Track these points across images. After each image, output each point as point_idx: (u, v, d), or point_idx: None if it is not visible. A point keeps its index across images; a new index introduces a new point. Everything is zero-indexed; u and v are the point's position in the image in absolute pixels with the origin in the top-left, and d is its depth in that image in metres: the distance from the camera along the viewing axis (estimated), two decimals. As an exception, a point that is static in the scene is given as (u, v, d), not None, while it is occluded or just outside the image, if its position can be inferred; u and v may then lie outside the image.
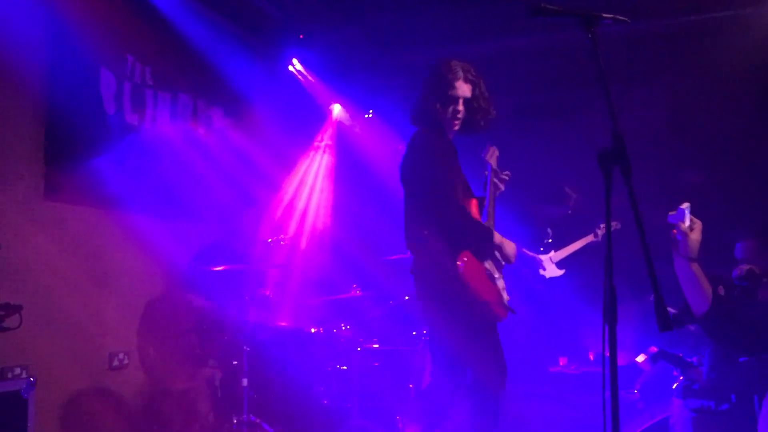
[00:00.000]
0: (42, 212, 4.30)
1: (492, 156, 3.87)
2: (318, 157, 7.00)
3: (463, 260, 3.22)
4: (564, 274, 6.21)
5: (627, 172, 2.08)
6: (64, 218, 4.46)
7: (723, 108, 6.34)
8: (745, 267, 3.41)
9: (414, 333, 4.58)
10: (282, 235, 5.09)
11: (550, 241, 6.32)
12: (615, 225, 5.65)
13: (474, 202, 3.60)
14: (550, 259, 6.22)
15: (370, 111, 6.77)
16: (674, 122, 6.77)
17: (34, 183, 4.27)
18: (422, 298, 3.34)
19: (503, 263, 3.52)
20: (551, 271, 6.20)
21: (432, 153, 3.42)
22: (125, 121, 4.86)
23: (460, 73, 3.53)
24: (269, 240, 4.57)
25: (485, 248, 3.40)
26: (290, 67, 6.62)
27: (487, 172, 3.75)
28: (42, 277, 4.24)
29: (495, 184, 3.73)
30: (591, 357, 5.98)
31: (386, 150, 6.94)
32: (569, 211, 6.42)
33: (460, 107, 3.54)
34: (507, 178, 3.80)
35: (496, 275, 3.46)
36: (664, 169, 6.58)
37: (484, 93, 3.62)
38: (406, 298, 4.72)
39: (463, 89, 3.53)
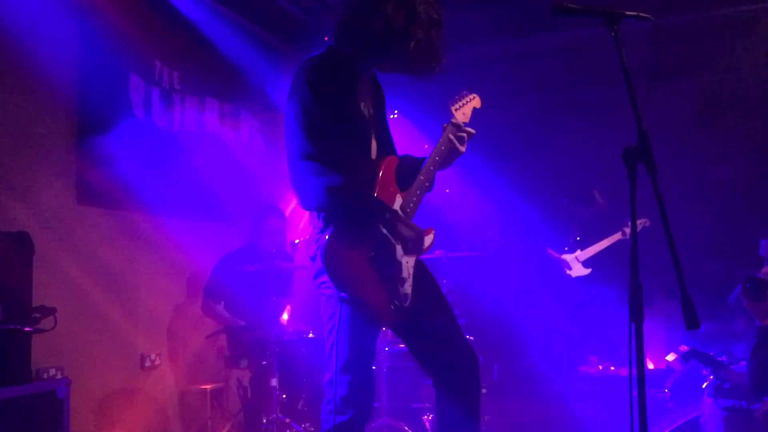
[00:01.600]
0: (75, 216, 4.39)
1: (463, 106, 2.90)
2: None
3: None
4: (593, 272, 6.17)
5: (652, 169, 2.08)
6: (96, 221, 4.55)
7: (751, 104, 6.26)
8: None
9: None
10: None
11: (578, 239, 6.28)
12: (644, 222, 5.60)
13: (386, 162, 2.68)
14: (576, 258, 6.18)
15: (395, 112, 6.77)
16: (702, 118, 6.70)
17: (67, 187, 4.36)
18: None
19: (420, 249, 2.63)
20: (577, 270, 6.17)
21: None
22: (154, 124, 4.94)
23: None
24: (296, 241, 4.60)
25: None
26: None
27: (445, 125, 2.80)
28: (75, 280, 4.33)
29: (449, 141, 2.75)
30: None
31: (412, 152, 6.95)
32: (595, 213, 6.38)
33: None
34: (468, 135, 2.84)
35: (403, 263, 2.55)
36: (692, 165, 6.51)
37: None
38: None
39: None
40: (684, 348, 4.32)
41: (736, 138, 6.41)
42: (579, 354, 6.16)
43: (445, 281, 4.91)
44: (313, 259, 2.58)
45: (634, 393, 1.98)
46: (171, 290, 5.21)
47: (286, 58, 6.37)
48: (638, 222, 5.52)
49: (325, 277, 2.46)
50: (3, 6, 3.82)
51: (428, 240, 2.67)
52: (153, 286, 5.02)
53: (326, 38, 5.85)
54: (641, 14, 2.20)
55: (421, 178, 2.66)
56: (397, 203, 2.60)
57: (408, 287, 2.55)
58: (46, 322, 3.37)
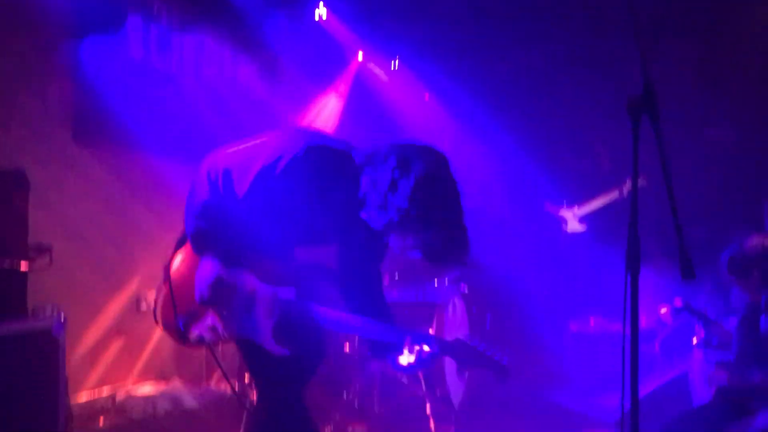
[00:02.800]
0: (71, 156, 4.36)
1: None
2: (330, 103, 6.76)
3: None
4: (591, 232, 6.16)
5: (656, 118, 2.05)
6: (93, 161, 4.52)
7: (754, 63, 6.18)
8: (759, 241, 3.35)
9: (436, 283, 4.62)
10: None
11: (565, 203, 6.26)
12: (642, 182, 5.55)
13: None
14: (573, 213, 6.17)
15: (397, 56, 6.63)
16: (705, 77, 6.63)
17: (63, 126, 4.32)
18: None
19: None
20: (573, 226, 6.17)
21: None
22: (152, 65, 4.87)
23: None
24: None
25: None
26: (316, 11, 6.50)
27: None
28: (72, 219, 4.32)
29: None
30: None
31: (410, 99, 6.88)
32: (598, 168, 6.35)
33: None
34: None
35: None
36: (694, 125, 6.46)
37: None
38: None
39: None
40: (678, 302, 4.34)
41: (739, 97, 6.34)
42: (572, 309, 6.21)
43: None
44: None
45: (627, 341, 1.98)
46: (166, 233, 5.20)
47: None
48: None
49: None
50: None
51: None
52: (149, 229, 5.01)
53: None
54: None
55: None
56: None
57: None
58: (42, 261, 3.37)
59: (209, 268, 2.35)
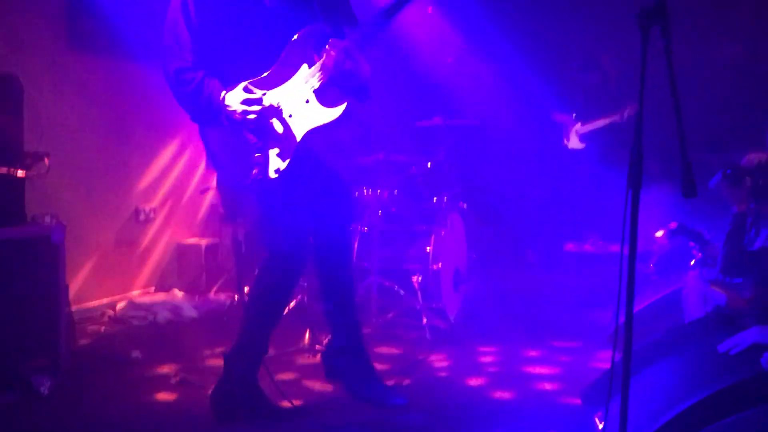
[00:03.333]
0: (65, 64, 4.28)
1: None
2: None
3: None
4: (591, 152, 6.09)
5: (666, 31, 1.99)
6: (88, 70, 4.44)
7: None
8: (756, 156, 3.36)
9: (435, 199, 4.61)
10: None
11: (574, 116, 6.17)
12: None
13: None
14: (576, 131, 6.11)
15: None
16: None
17: (57, 35, 4.22)
18: None
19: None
20: (574, 142, 6.11)
21: None
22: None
23: None
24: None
25: None
26: None
27: None
28: (67, 128, 4.28)
29: None
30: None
31: (415, 14, 6.70)
32: (603, 81, 6.21)
33: None
34: None
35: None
36: (705, 40, 6.29)
37: None
38: (429, 165, 4.71)
39: None
40: (673, 224, 4.35)
41: (751, 12, 6.16)
42: (570, 229, 6.23)
43: (442, 148, 4.88)
44: None
45: (625, 257, 1.99)
46: (165, 144, 5.17)
47: None
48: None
49: None
50: None
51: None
52: (147, 140, 4.98)
53: None
54: None
55: None
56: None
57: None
58: (39, 168, 3.35)
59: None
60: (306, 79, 2.67)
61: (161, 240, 5.15)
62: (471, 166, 6.04)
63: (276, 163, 2.62)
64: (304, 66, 2.68)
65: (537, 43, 6.55)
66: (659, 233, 4.52)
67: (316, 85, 2.65)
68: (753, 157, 3.39)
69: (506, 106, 6.37)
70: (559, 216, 6.18)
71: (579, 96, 6.20)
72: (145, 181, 4.99)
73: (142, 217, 4.95)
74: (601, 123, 5.95)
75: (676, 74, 2.03)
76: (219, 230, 5.32)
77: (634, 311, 1.98)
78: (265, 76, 2.66)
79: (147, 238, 5.02)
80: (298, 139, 2.66)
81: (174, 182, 5.23)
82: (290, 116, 2.66)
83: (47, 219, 3.38)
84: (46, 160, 3.33)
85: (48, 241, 3.27)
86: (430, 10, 6.92)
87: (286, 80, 2.67)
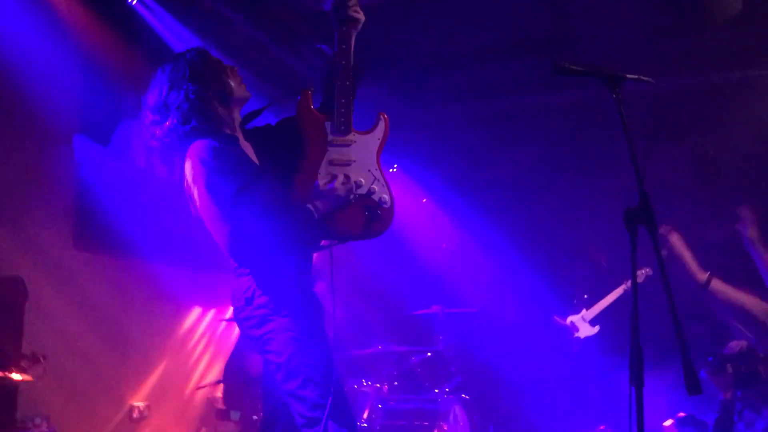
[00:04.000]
0: (71, 262, 4.36)
1: None
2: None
3: None
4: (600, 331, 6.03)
5: (653, 231, 2.06)
6: (93, 268, 4.51)
7: (749, 165, 6.27)
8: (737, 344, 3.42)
9: (437, 390, 4.51)
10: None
11: (586, 296, 6.19)
12: (647, 272, 5.52)
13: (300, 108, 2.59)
14: (582, 318, 6.09)
15: (395, 165, 6.80)
16: (700, 178, 6.72)
17: (65, 233, 4.34)
18: None
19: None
20: (585, 330, 6.05)
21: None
22: (154, 173, 4.92)
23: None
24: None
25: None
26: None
27: (335, 10, 2.59)
28: (69, 327, 4.27)
29: (346, 20, 2.59)
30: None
31: (411, 205, 6.95)
32: (596, 271, 6.31)
33: None
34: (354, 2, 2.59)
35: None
36: (692, 225, 6.49)
37: None
38: (429, 354, 4.67)
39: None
40: (681, 415, 4.26)
41: (735, 198, 6.40)
42: (580, 420, 6.02)
43: (441, 337, 4.85)
44: None
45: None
46: (164, 340, 5.13)
47: (286, 109, 6.41)
48: (641, 272, 5.48)
49: None
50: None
51: (379, 134, 2.58)
52: (146, 336, 4.95)
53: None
54: (642, 77, 2.22)
55: (339, 83, 2.53)
56: (328, 130, 2.52)
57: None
58: (35, 370, 3.31)
59: None
60: None
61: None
62: (472, 356, 5.96)
63: None
64: None
65: (528, 233, 6.74)
66: (668, 422, 4.41)
67: None
68: (735, 345, 3.43)
69: (505, 295, 6.42)
70: (569, 407, 5.99)
71: (575, 286, 6.26)
72: (141, 377, 4.90)
73: (135, 414, 4.80)
74: (608, 300, 5.95)
75: (668, 268, 2.08)
76: (214, 427, 5.14)
77: None
78: None
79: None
80: None
81: (171, 378, 5.13)
82: None
83: (38, 422, 3.29)
84: (42, 363, 3.30)
85: (38, 448, 3.16)
86: (424, 200, 7.21)
87: None
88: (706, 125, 6.46)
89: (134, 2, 4.39)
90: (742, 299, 2.60)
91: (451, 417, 4.20)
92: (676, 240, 2.66)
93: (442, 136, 6.96)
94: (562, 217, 6.74)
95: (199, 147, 2.52)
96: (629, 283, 5.74)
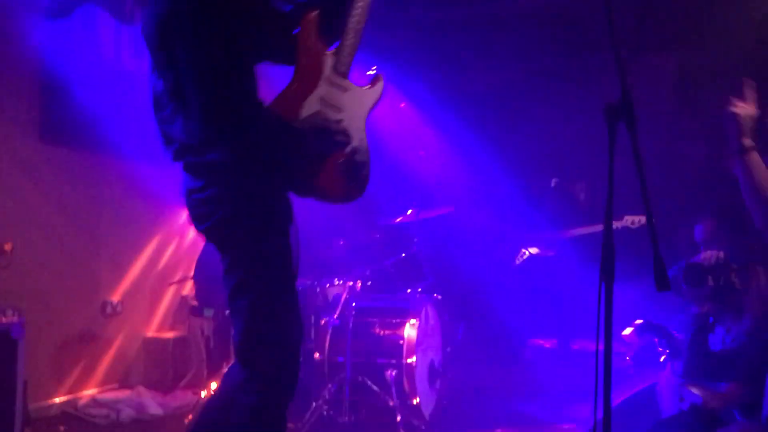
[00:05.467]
0: (37, 153, 4.27)
1: None
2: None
3: None
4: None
5: (632, 126, 2.03)
6: (60, 160, 4.44)
7: (730, 82, 6.24)
8: (713, 254, 3.39)
9: (409, 290, 4.57)
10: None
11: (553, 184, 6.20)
12: (640, 220, 5.39)
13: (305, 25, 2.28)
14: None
15: (374, 67, 6.63)
16: (680, 94, 6.70)
17: (30, 124, 4.23)
18: None
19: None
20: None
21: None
22: (124, 66, 4.78)
23: None
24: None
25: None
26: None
27: None
28: (37, 218, 4.22)
29: None
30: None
31: (388, 109, 6.85)
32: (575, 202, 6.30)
33: None
34: None
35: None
36: (670, 141, 6.50)
37: None
38: (402, 255, 4.70)
39: None
40: (638, 322, 4.36)
41: (714, 116, 6.40)
42: (545, 325, 6.19)
43: (415, 240, 4.87)
44: None
45: (601, 350, 1.96)
46: (136, 236, 5.11)
47: None
48: (636, 218, 5.44)
49: None
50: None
51: (375, 93, 2.38)
52: (117, 231, 4.92)
53: None
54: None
55: (353, 20, 2.30)
56: (328, 66, 2.28)
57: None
58: (1, 259, 3.27)
59: None
60: None
61: (128, 333, 5.01)
62: (445, 258, 6.04)
63: None
64: None
65: (511, 145, 6.72)
66: (626, 331, 4.51)
67: None
68: (710, 255, 3.40)
69: (479, 200, 6.45)
70: (536, 311, 6.14)
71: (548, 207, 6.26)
72: (114, 273, 4.90)
73: (108, 310, 4.82)
74: (580, 231, 5.93)
75: (645, 164, 2.07)
76: (188, 323, 5.19)
77: (612, 406, 1.93)
78: None
79: (113, 332, 4.88)
80: None
81: (142, 274, 5.13)
82: None
83: (9, 313, 3.27)
84: (8, 248, 3.26)
85: (8, 336, 3.16)
86: (402, 105, 7.11)
87: None
88: (688, 37, 6.39)
89: None
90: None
91: (423, 315, 4.27)
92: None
93: (424, 40, 6.79)
94: (544, 127, 6.72)
95: None
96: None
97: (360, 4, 2.32)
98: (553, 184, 6.40)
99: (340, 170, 2.24)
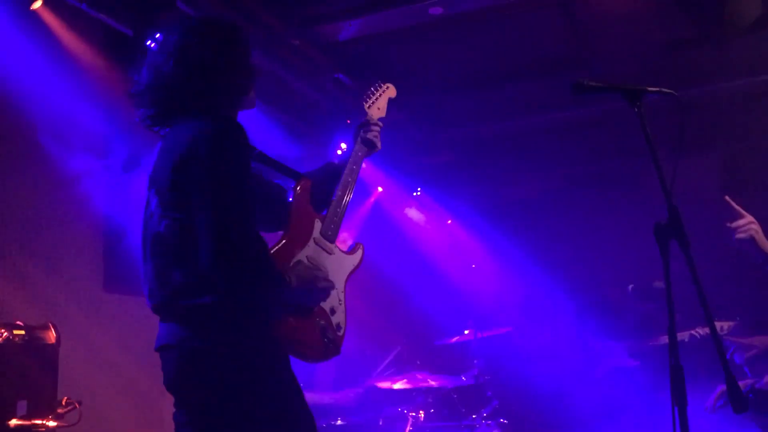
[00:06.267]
0: (102, 304, 4.39)
1: (377, 101, 2.80)
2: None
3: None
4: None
5: (685, 245, 2.03)
6: (124, 310, 4.53)
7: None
8: None
9: (474, 416, 4.45)
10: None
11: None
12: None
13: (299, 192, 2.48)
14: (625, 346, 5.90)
15: (419, 189, 6.78)
16: (729, 187, 6.63)
17: (95, 276, 4.37)
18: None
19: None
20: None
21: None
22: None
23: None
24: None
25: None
26: (338, 152, 6.71)
27: (360, 129, 2.70)
28: (101, 372, 4.28)
29: (364, 143, 2.68)
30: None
31: (435, 228, 6.93)
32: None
33: None
34: (376, 131, 2.71)
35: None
36: (719, 237, 6.37)
37: None
38: (464, 379, 4.61)
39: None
40: None
41: (765, 207, 6.28)
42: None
43: (476, 361, 4.78)
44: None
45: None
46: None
47: (308, 139, 6.44)
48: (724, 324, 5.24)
49: None
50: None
51: (355, 259, 2.57)
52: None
53: (348, 121, 5.90)
54: (663, 89, 2.19)
55: (340, 193, 2.56)
56: (317, 229, 2.45)
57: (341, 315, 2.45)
58: (71, 417, 3.32)
59: None
60: None
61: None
62: (508, 379, 5.86)
63: None
64: None
65: (553, 253, 6.67)
66: None
67: None
68: None
69: (535, 315, 6.33)
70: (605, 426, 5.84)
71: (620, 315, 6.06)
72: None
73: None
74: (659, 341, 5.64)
75: (703, 282, 2.03)
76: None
77: None
78: None
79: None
80: None
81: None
82: None
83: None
84: (78, 409, 3.31)
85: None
86: (449, 221, 7.19)
87: None
88: (731, 134, 6.40)
89: (152, 44, 4.45)
90: None
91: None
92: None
93: (463, 158, 6.95)
94: (586, 235, 6.67)
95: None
96: (698, 330, 5.38)
97: (349, 180, 2.60)
98: (630, 289, 6.19)
99: (318, 328, 2.34)
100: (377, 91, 2.80)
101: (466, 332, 4.88)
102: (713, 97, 6.01)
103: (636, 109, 2.16)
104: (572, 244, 6.77)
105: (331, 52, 5.34)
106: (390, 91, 2.85)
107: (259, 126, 5.64)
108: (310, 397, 3.51)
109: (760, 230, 2.65)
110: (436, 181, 6.82)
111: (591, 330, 5.97)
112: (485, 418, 4.40)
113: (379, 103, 2.78)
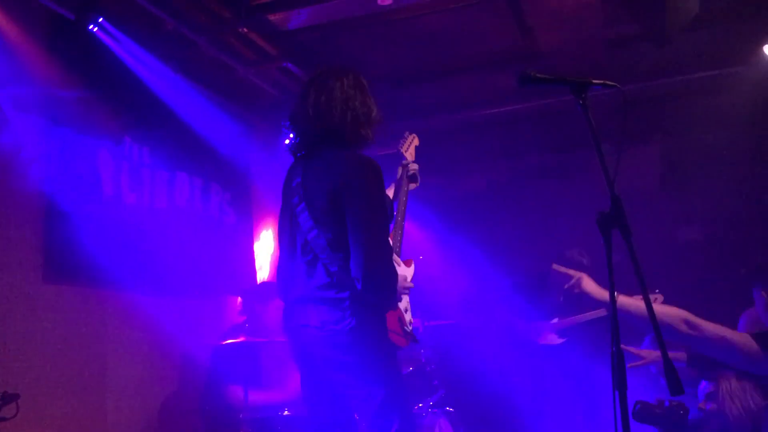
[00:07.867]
0: (41, 296, 4.26)
1: (409, 146, 3.66)
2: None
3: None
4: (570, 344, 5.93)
5: (627, 234, 2.09)
6: (63, 300, 4.42)
7: (716, 164, 6.39)
8: None
9: (420, 405, 4.48)
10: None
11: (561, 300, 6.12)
12: (657, 297, 5.27)
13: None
14: (553, 325, 6.04)
15: (420, 257, 6.76)
16: (668, 180, 6.83)
17: (33, 266, 4.24)
18: None
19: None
20: (549, 339, 5.99)
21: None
22: (123, 201, 4.87)
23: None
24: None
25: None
26: (286, 141, 6.67)
27: (400, 168, 3.52)
28: (41, 365, 4.16)
29: (408, 178, 3.48)
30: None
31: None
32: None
33: None
34: (415, 169, 3.51)
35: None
36: (661, 227, 6.57)
37: None
38: (410, 369, 4.64)
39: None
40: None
41: (702, 199, 6.51)
42: (565, 425, 6.00)
43: (422, 351, 4.83)
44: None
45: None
46: (143, 371, 5.03)
47: (254, 129, 6.39)
48: (652, 296, 5.38)
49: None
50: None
51: (411, 271, 3.29)
52: (122, 368, 4.83)
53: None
54: (607, 82, 2.25)
55: (399, 219, 3.30)
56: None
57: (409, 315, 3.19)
58: (8, 410, 3.23)
59: None
60: None
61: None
62: (454, 368, 5.93)
63: None
64: None
65: (504, 242, 6.77)
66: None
67: None
68: None
69: (481, 305, 6.41)
70: (553, 414, 5.97)
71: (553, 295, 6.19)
72: (119, 413, 4.79)
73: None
74: (585, 317, 5.76)
75: (644, 274, 2.10)
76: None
77: None
78: None
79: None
80: None
81: (150, 411, 5.02)
82: None
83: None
84: (16, 403, 3.22)
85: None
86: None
87: None
88: (671, 128, 6.60)
89: (95, 29, 4.33)
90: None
91: (437, 430, 4.18)
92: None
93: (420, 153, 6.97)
94: (540, 225, 6.79)
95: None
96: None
97: (402, 209, 3.37)
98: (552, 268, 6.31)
99: (402, 321, 3.08)
100: (407, 138, 3.66)
101: (414, 321, 4.90)
102: (654, 93, 6.19)
103: (581, 102, 2.21)
104: (517, 236, 6.88)
105: (280, 41, 5.29)
106: (416, 139, 3.71)
107: (207, 115, 5.57)
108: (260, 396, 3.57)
109: (588, 281, 2.90)
110: (384, 173, 6.83)
111: (522, 312, 6.09)
112: (431, 407, 4.45)
113: (411, 149, 3.62)
